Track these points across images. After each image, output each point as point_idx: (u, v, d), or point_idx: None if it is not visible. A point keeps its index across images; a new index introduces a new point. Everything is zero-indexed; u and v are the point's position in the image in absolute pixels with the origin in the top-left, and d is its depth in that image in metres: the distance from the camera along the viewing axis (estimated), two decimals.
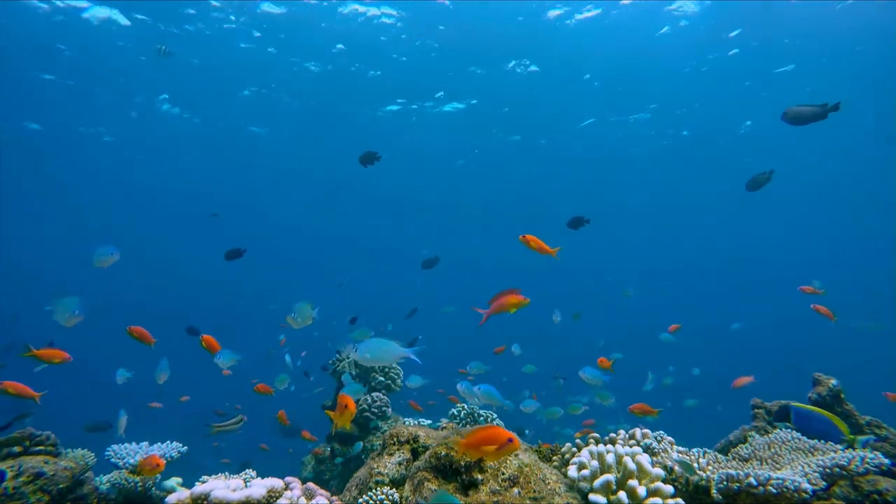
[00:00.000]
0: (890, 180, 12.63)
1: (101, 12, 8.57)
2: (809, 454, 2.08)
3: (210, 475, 2.16)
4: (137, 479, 2.43)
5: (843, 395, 2.67)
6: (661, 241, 17.92)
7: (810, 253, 17.70)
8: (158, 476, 2.51)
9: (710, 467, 2.04)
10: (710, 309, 21.95)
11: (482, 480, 1.79)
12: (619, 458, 1.76)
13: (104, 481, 2.44)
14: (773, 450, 2.18)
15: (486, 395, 2.77)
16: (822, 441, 1.87)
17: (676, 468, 1.95)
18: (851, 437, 1.82)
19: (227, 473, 2.19)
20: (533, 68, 10.07)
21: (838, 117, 10.05)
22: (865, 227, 15.47)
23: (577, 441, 2.15)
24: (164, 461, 2.15)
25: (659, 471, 1.72)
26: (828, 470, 1.88)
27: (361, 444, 3.55)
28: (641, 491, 1.65)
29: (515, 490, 1.77)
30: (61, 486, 2.09)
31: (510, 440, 1.55)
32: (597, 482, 1.70)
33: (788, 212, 15.31)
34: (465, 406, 3.69)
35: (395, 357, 2.15)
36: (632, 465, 1.72)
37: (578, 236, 5.11)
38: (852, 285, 19.60)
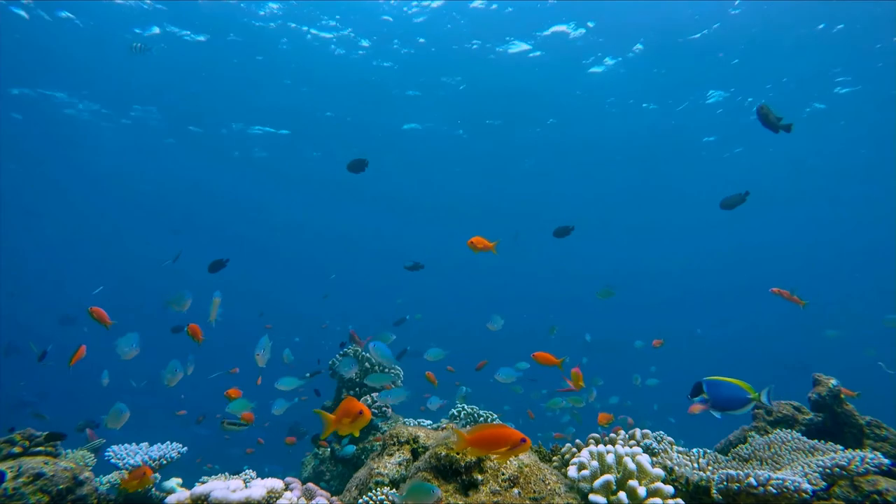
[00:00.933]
0: (889, 181, 12.64)
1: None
2: (809, 454, 2.08)
3: (210, 475, 2.16)
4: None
5: (842, 396, 2.67)
6: (662, 243, 17.91)
7: (812, 254, 17.71)
8: (159, 476, 2.51)
9: (710, 467, 2.04)
10: (710, 310, 21.98)
11: (482, 481, 1.79)
12: (619, 459, 1.76)
13: (104, 482, 2.44)
14: (773, 450, 2.18)
15: (378, 352, 2.96)
16: (732, 404, 1.94)
17: (676, 468, 1.95)
18: (755, 393, 1.87)
19: (226, 474, 2.19)
20: (536, 53, 10.01)
21: (846, 117, 9.95)
22: (867, 229, 15.46)
23: (577, 441, 2.15)
24: (152, 469, 2.16)
25: (659, 471, 1.72)
26: (828, 470, 1.88)
27: (353, 447, 3.54)
28: (641, 491, 1.65)
29: (515, 490, 1.77)
30: (61, 486, 2.09)
31: (523, 440, 1.51)
32: (597, 482, 1.70)
33: (789, 213, 15.31)
34: (465, 406, 3.69)
35: None
36: (632, 466, 1.72)
37: (577, 238, 5.12)
38: (852, 287, 19.64)
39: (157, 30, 9.07)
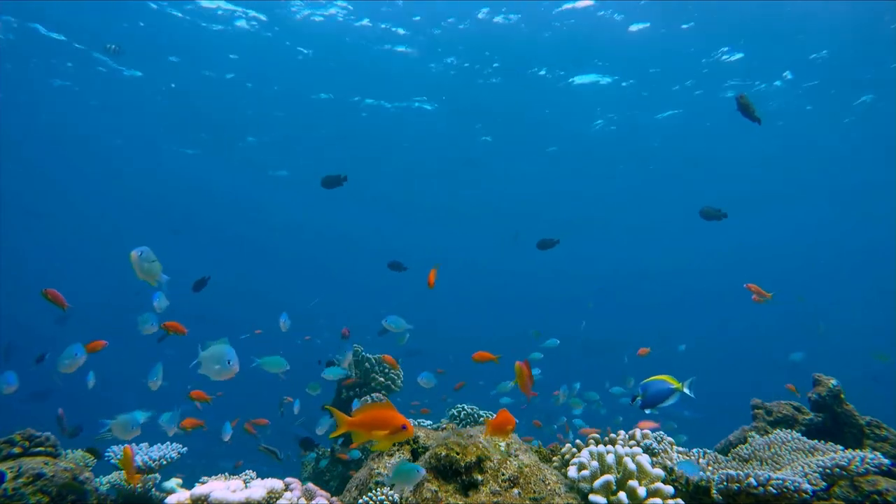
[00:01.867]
0: (891, 180, 12.63)
1: None
2: (810, 454, 2.08)
3: (210, 476, 2.16)
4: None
5: (843, 396, 2.67)
6: (662, 243, 17.89)
7: (812, 254, 17.69)
8: (159, 477, 2.51)
9: (710, 468, 2.04)
10: (708, 311, 21.95)
11: (482, 481, 1.79)
12: (619, 459, 1.76)
13: (104, 482, 2.44)
14: (773, 450, 2.18)
15: (283, 321, 3.32)
16: (659, 398, 2.10)
17: (677, 469, 1.95)
18: (679, 384, 2.03)
19: (227, 474, 2.19)
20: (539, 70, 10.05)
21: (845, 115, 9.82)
22: (868, 228, 15.44)
23: (577, 441, 2.15)
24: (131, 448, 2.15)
25: (659, 471, 1.72)
26: (828, 470, 1.88)
27: (359, 453, 3.53)
28: (641, 491, 1.65)
29: (515, 490, 1.77)
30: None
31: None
32: (597, 482, 1.70)
33: (790, 212, 15.29)
34: (465, 407, 3.69)
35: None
36: (632, 466, 1.72)
37: (577, 238, 5.13)
38: (853, 287, 19.61)
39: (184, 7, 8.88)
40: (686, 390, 2.03)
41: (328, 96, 11.25)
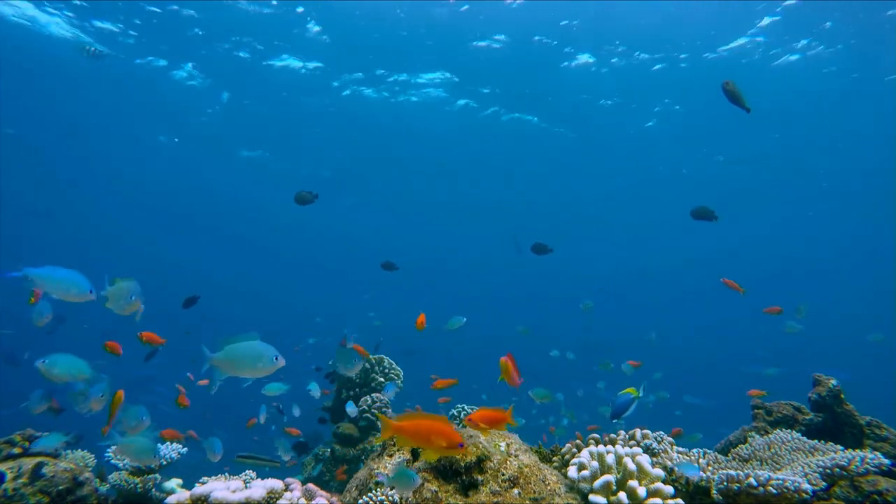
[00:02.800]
0: (889, 179, 12.61)
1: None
2: (809, 454, 2.08)
3: (210, 476, 2.16)
4: (137, 480, 2.43)
5: (842, 396, 2.67)
6: (659, 244, 17.88)
7: (811, 253, 17.68)
8: (159, 477, 2.51)
9: (710, 468, 2.04)
10: (708, 311, 21.96)
11: (482, 481, 1.79)
12: (619, 459, 1.76)
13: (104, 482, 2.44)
14: (772, 450, 2.18)
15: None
16: (625, 407, 2.36)
17: (676, 469, 1.95)
18: (637, 392, 2.32)
19: (227, 474, 2.19)
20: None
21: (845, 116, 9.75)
22: (869, 227, 15.43)
23: (577, 441, 2.15)
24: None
25: (659, 471, 1.72)
26: (828, 470, 1.88)
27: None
28: (641, 491, 1.65)
29: (515, 491, 1.77)
30: (61, 487, 2.09)
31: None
32: (597, 483, 1.70)
33: (790, 211, 15.28)
34: (465, 407, 3.70)
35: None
36: (632, 466, 1.72)
37: (576, 239, 5.13)
38: (852, 286, 19.61)
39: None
40: (640, 393, 2.34)
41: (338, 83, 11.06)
